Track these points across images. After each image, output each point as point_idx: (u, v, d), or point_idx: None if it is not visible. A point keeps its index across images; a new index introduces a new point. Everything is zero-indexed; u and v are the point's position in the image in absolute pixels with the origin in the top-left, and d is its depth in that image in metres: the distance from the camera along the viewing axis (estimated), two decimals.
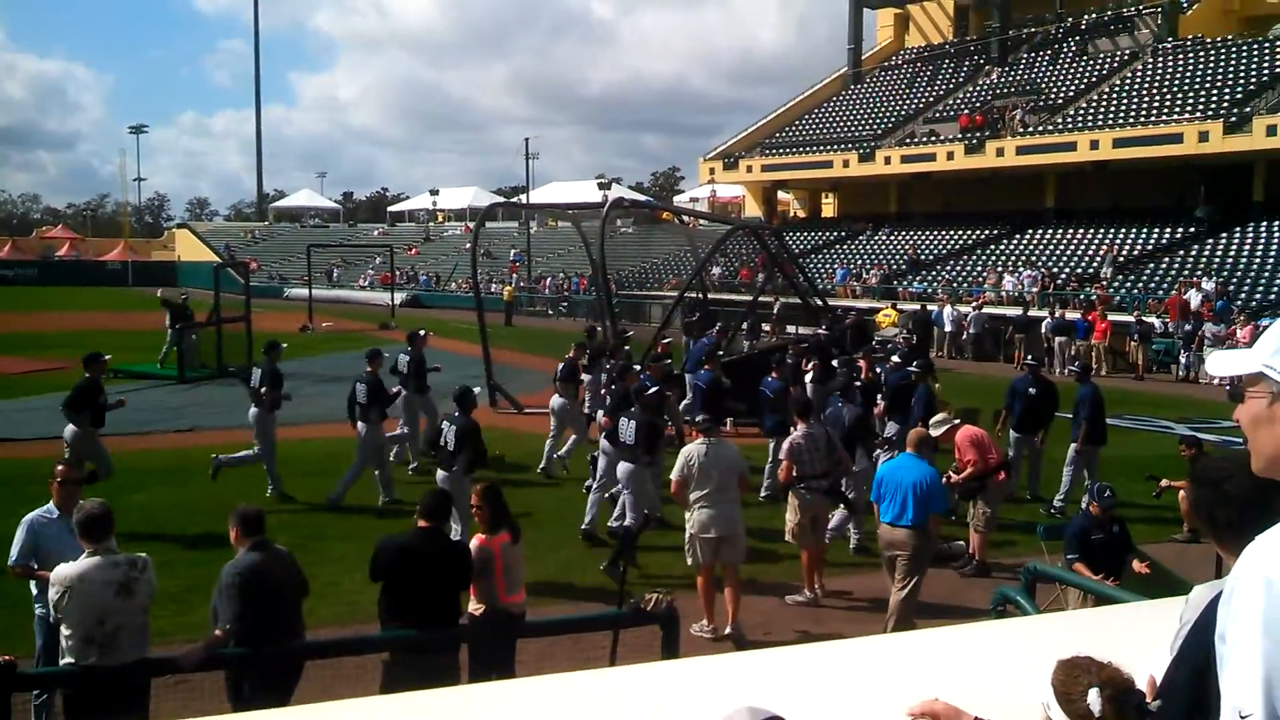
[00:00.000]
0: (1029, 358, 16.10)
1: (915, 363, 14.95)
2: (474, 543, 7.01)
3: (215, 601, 6.17)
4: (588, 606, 8.76)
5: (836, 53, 56.56)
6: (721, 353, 17.98)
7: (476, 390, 14.31)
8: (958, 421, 11.52)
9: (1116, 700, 2.50)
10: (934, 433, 10.49)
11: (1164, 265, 34.14)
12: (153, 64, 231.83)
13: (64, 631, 5.89)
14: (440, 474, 10.85)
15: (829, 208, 54.00)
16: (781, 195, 56.02)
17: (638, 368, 15.13)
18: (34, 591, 7.15)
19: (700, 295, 27.08)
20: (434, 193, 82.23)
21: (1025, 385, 13.82)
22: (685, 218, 40.77)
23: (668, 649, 6.00)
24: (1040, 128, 40.24)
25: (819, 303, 25.18)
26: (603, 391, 15.77)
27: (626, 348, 17.35)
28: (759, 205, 53.96)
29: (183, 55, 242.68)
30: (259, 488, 13.30)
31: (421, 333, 16.57)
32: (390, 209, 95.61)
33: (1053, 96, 42.55)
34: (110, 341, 29.85)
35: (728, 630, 9.06)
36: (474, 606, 6.77)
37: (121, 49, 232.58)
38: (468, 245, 60.25)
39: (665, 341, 18.79)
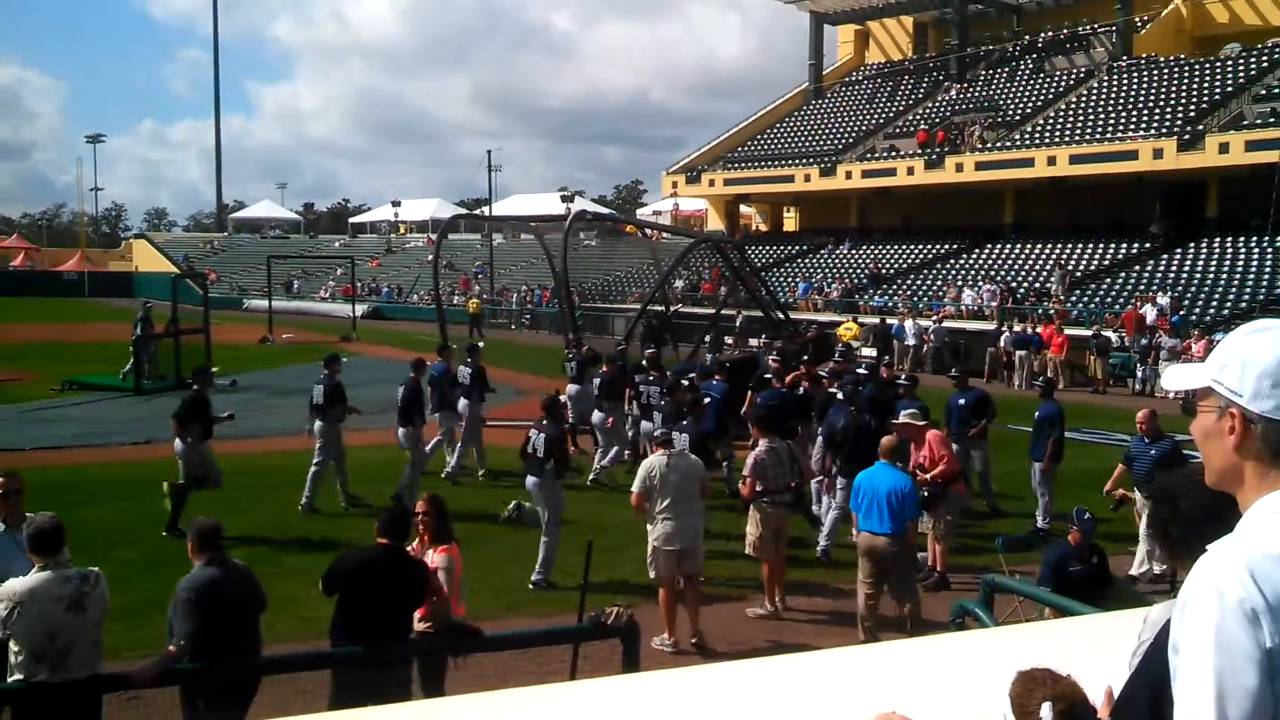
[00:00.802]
0: (953, 370, 16.42)
1: (902, 376, 15.15)
2: (436, 554, 6.95)
3: (170, 616, 6.08)
4: (549, 620, 8.72)
5: (798, 68, 56.96)
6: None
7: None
8: (925, 423, 11.59)
9: (1069, 714, 2.52)
10: (901, 420, 10.65)
11: (1120, 280, 34.59)
12: (110, 72, 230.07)
13: (13, 648, 5.78)
14: (530, 480, 11.14)
15: (791, 222, 54.29)
16: (744, 209, 56.28)
17: (685, 381, 15.17)
18: None
19: (664, 308, 27.11)
20: (396, 204, 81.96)
21: (956, 398, 14.08)
22: (648, 230, 40.86)
23: (629, 662, 5.98)
24: (998, 144, 40.71)
25: (781, 315, 25.30)
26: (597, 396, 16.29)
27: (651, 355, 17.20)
28: (721, 219, 54.12)
29: (140, 64, 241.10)
30: (218, 503, 13.10)
31: (480, 345, 17.67)
32: (351, 220, 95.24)
33: (1010, 113, 43.07)
34: (67, 353, 29.56)
35: (691, 641, 9.09)
36: (422, 625, 6.71)
37: (78, 56, 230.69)
38: (429, 257, 60.06)
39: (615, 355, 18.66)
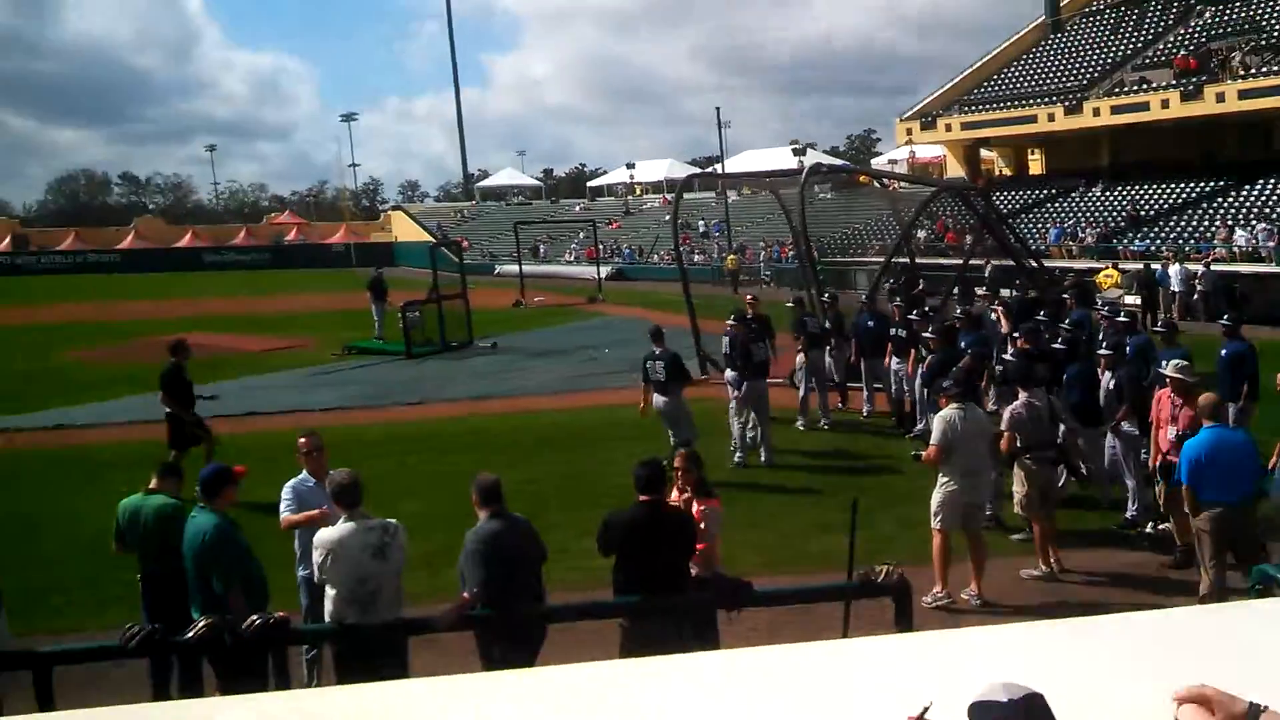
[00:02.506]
0: (1224, 317, 14.49)
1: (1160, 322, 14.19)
2: (700, 506, 7.17)
3: (461, 566, 6.54)
4: (815, 577, 8.82)
5: (1033, 1, 53.72)
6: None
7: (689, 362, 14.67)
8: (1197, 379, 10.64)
9: None
10: (1171, 373, 9.77)
11: None
12: (355, 52, 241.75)
13: (328, 592, 6.39)
14: (659, 399, 12.72)
15: (1036, 164, 51.61)
16: (984, 153, 53.95)
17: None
18: (298, 554, 7.78)
19: (908, 260, 26.49)
20: (630, 166, 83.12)
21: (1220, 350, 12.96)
22: (885, 181, 39.84)
23: (901, 621, 6.01)
24: (1263, 69, 37.24)
25: (1034, 264, 24.28)
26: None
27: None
28: (961, 165, 52.08)
29: (382, 41, 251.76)
30: (490, 460, 13.85)
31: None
32: (589, 184, 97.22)
33: (1276, 34, 39.27)
34: (339, 320, 31.80)
35: (975, 598, 9.07)
36: (695, 571, 6.95)
37: (326, 40, 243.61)
38: (667, 217, 60.85)
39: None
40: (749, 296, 18.22)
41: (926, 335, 14.28)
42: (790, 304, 17.83)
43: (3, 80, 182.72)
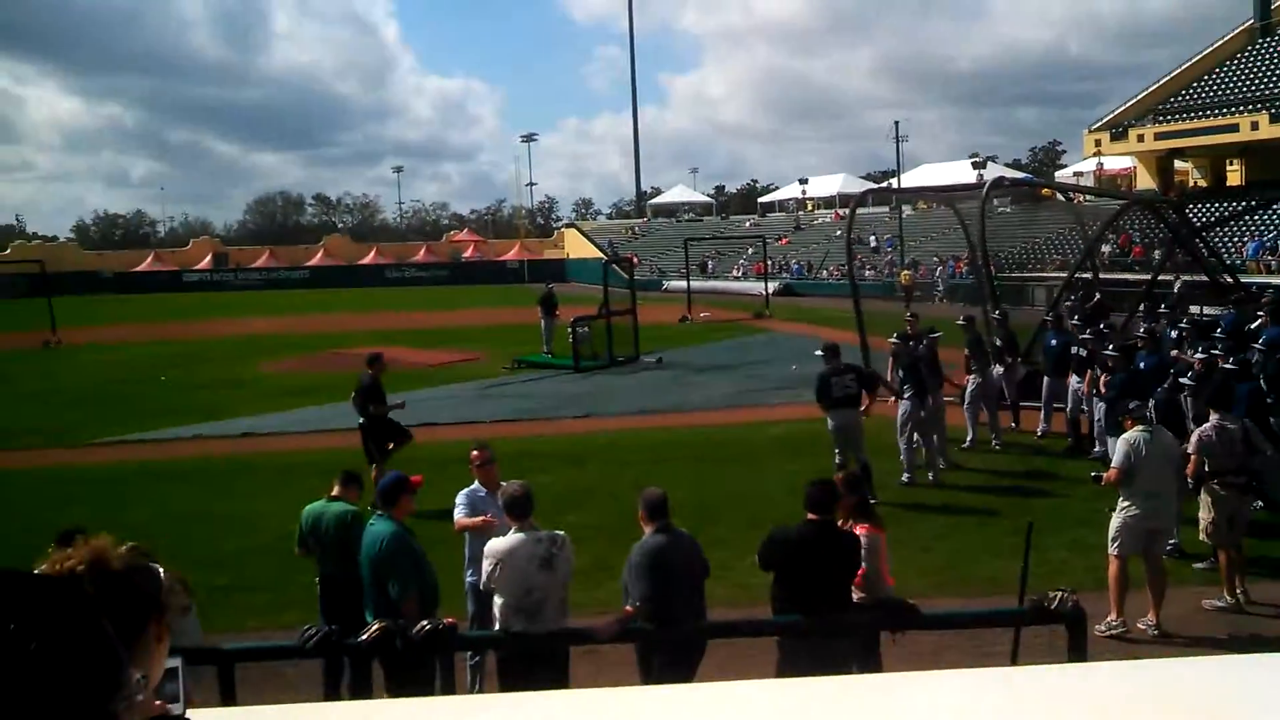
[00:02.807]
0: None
1: None
2: (860, 531, 7.05)
3: (625, 579, 6.60)
4: (982, 601, 8.56)
5: (1240, 4, 50.95)
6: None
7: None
8: None
9: None
10: None
11: None
12: (538, 75, 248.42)
13: (496, 600, 6.53)
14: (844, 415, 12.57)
15: (1235, 175, 48.84)
16: (1178, 164, 51.38)
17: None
18: (466, 561, 7.98)
19: (1091, 276, 25.45)
20: (803, 182, 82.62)
21: None
22: (1070, 194, 38.40)
23: (1074, 650, 5.76)
24: None
25: (1229, 279, 22.99)
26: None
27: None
28: (1152, 177, 49.73)
29: (564, 65, 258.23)
30: (654, 474, 13.94)
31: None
32: (760, 200, 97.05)
33: None
34: (510, 335, 32.60)
35: (1152, 629, 8.65)
36: (858, 596, 6.82)
37: (512, 64, 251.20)
38: (838, 233, 60.12)
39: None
40: (908, 315, 17.81)
41: (1106, 354, 13.70)
42: (961, 322, 17.35)
43: (212, 108, 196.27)
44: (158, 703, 2.00)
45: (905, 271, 46.62)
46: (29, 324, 38.28)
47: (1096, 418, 14.12)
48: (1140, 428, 9.09)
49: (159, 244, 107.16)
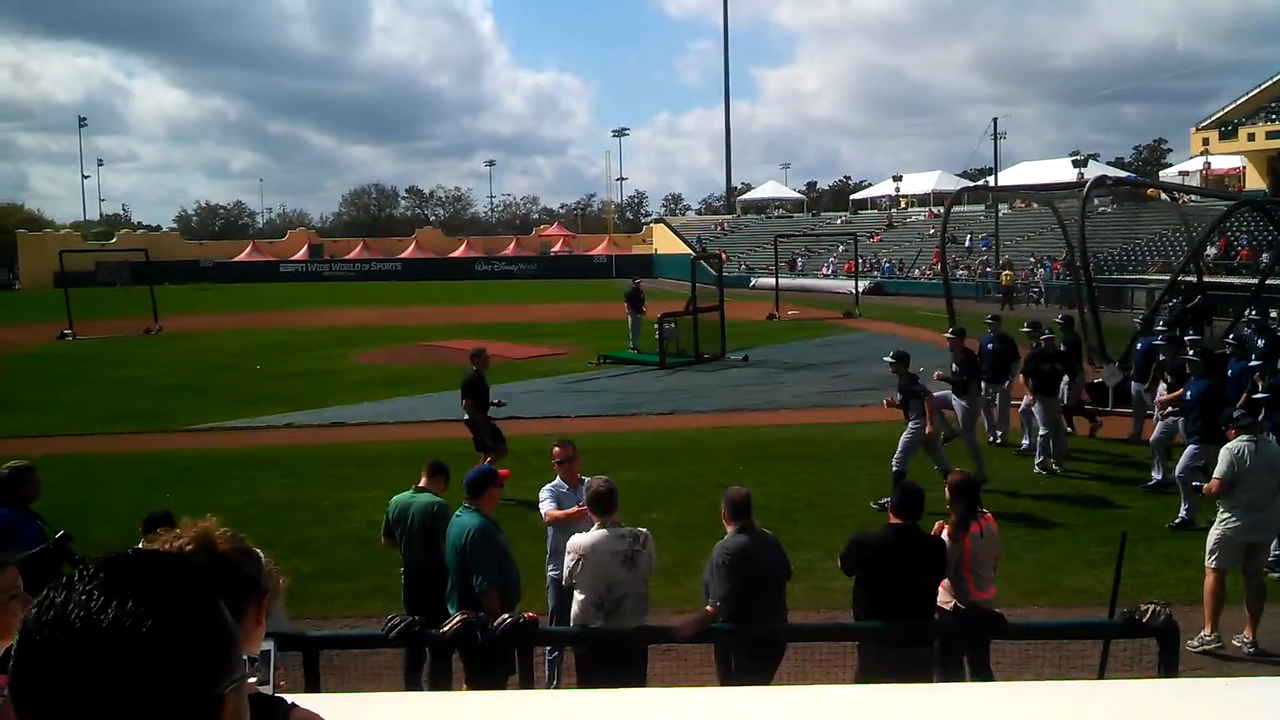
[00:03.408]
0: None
1: None
2: (945, 536, 6.90)
3: (706, 578, 6.55)
4: (1070, 611, 8.33)
5: None
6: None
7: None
8: None
9: None
10: None
11: None
12: (630, 70, 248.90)
13: (576, 596, 6.54)
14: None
15: None
16: None
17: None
18: (549, 554, 8.01)
19: (1196, 278, 24.66)
20: (897, 179, 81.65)
21: None
22: (1175, 194, 37.28)
23: (1166, 665, 5.57)
24: None
25: None
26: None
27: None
28: (1262, 177, 48.14)
29: (656, 59, 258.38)
30: (738, 473, 13.86)
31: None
32: (853, 197, 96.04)
33: None
34: (598, 330, 32.74)
35: (1236, 643, 8.33)
36: (944, 600, 6.70)
37: (604, 58, 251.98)
38: (932, 231, 59.18)
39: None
40: (988, 318, 17.39)
41: (1189, 360, 13.09)
42: (1058, 320, 17.02)
43: (311, 101, 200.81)
44: (251, 680, 2.02)
45: (1006, 272, 45.73)
46: (133, 310, 39.59)
47: (1156, 433, 13.66)
48: (1245, 437, 8.78)
49: (257, 235, 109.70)
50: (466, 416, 13.85)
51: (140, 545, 5.63)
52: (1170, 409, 13.07)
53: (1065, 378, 15.35)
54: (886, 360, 13.33)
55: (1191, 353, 13.27)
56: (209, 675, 1.27)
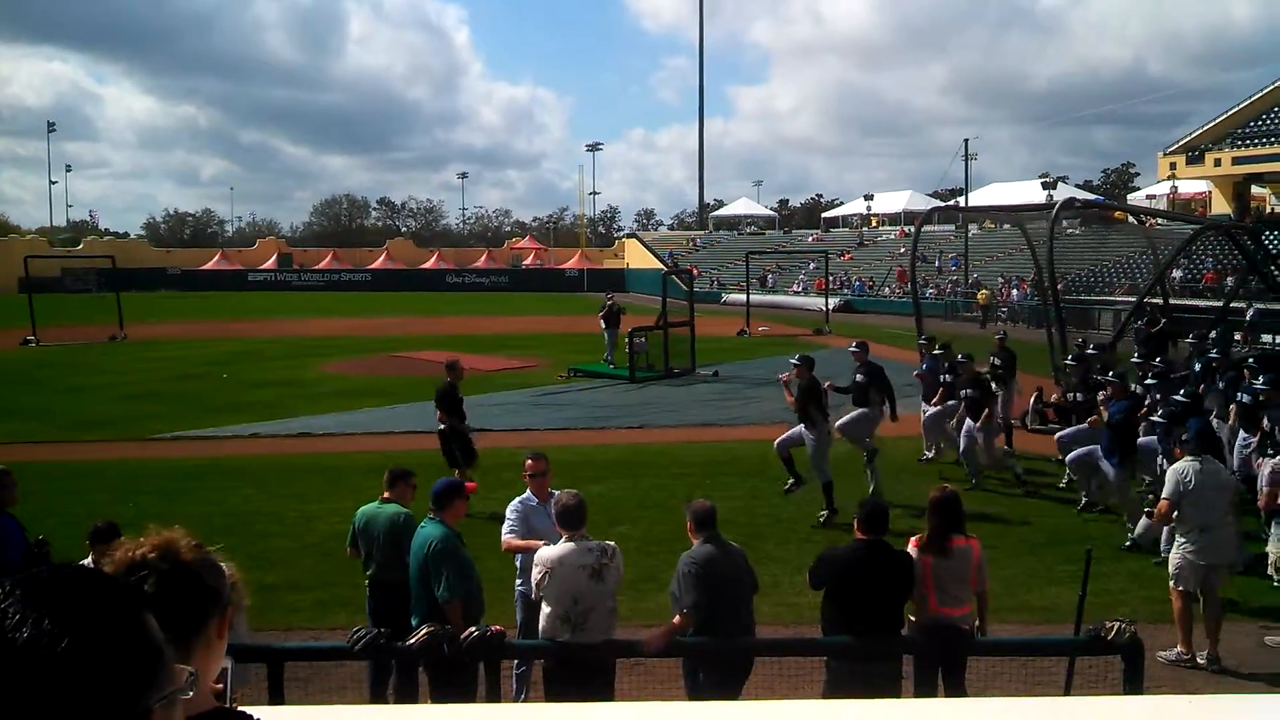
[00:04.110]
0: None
1: None
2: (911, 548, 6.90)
3: (674, 589, 6.52)
4: (1037, 629, 8.37)
5: None
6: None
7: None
8: None
9: None
10: None
11: None
12: (605, 85, 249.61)
13: (544, 609, 6.49)
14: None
15: None
16: (1256, 190, 50.33)
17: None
18: (518, 569, 7.94)
19: (1162, 301, 24.94)
20: (868, 198, 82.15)
21: None
22: (1142, 217, 37.72)
23: (1130, 683, 5.59)
24: None
25: None
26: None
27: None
28: (1228, 201, 48.75)
29: (632, 75, 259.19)
30: (705, 487, 13.86)
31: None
32: (824, 215, 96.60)
33: None
34: (568, 344, 32.68)
35: (1200, 660, 8.41)
36: (912, 614, 6.70)
37: (580, 73, 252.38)
38: (902, 250, 59.55)
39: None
40: (921, 339, 17.63)
41: (1109, 380, 13.17)
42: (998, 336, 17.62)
43: (285, 111, 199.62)
44: (218, 687, 1.98)
45: (984, 291, 46.14)
46: (98, 317, 39.17)
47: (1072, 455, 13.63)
48: (1190, 458, 8.86)
49: (226, 243, 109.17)
50: (441, 428, 13.77)
51: (89, 558, 5.55)
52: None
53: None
54: (851, 350, 14.80)
55: (1113, 374, 13.42)
56: (133, 691, 1.25)
